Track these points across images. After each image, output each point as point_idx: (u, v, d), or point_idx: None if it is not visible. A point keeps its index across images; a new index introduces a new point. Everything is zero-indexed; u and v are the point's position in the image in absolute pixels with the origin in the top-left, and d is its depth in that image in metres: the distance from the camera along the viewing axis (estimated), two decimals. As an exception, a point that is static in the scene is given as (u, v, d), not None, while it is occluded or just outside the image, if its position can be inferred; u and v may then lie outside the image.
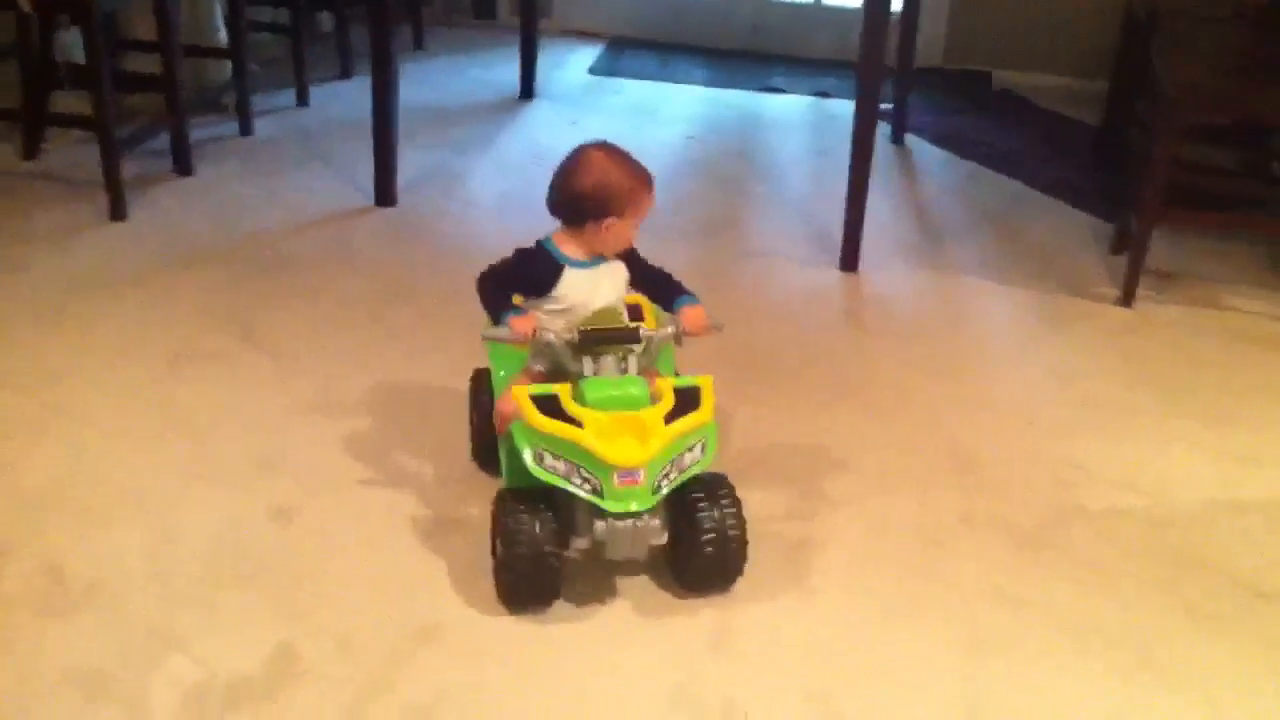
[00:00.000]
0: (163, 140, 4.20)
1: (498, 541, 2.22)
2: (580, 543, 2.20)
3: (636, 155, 2.36)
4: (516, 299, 2.35)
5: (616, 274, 2.38)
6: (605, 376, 2.22)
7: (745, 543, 2.24)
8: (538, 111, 5.12)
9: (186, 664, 2.09)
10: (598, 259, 2.35)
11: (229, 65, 4.64)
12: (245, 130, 4.64)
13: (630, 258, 2.41)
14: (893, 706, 2.09)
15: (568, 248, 2.34)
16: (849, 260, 3.72)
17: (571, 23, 6.37)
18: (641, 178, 2.32)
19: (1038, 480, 2.75)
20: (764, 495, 2.60)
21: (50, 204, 3.91)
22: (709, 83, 5.68)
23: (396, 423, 2.83)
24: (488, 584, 2.27)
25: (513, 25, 5.39)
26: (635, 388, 2.19)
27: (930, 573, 2.42)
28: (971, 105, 5.51)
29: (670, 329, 2.31)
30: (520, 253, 2.36)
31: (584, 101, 5.30)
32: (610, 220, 2.27)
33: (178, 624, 2.18)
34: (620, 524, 2.15)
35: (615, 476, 2.11)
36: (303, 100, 5.03)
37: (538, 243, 2.36)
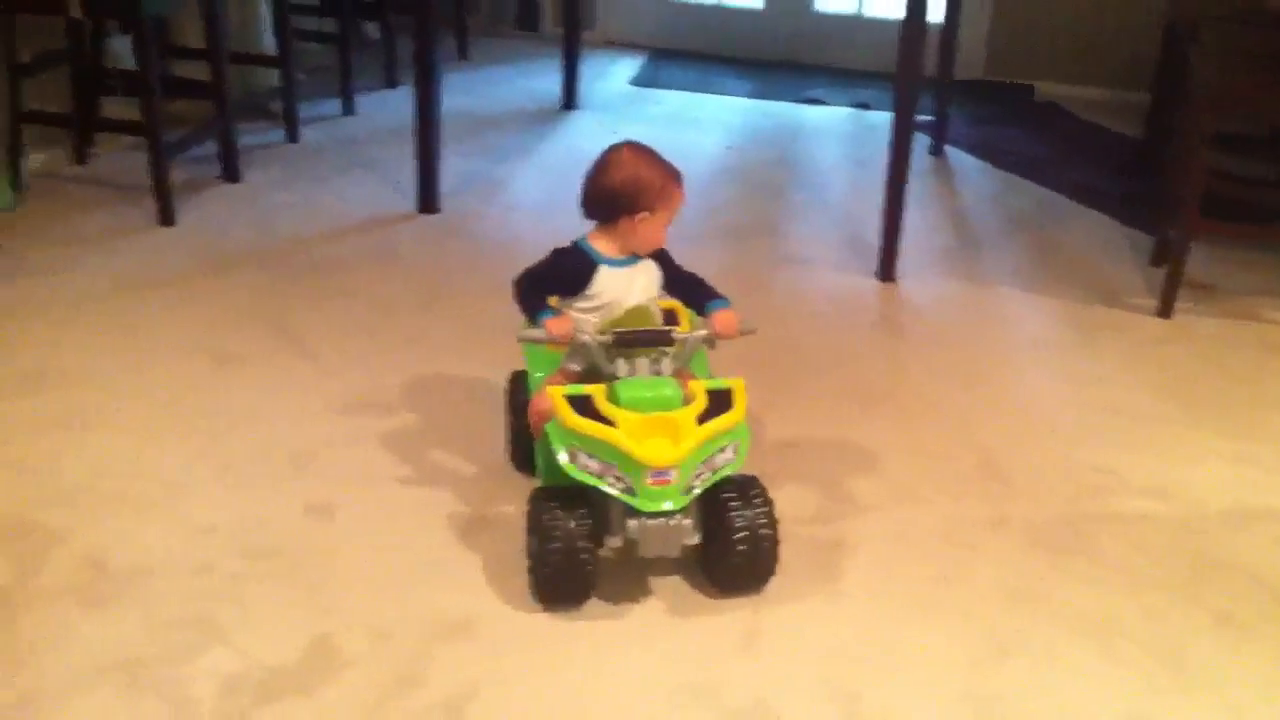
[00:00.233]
0: (210, 146, 4.27)
1: (533, 538, 2.25)
2: (614, 541, 2.23)
3: (676, 163, 2.41)
4: (552, 301, 2.39)
5: (650, 274, 2.42)
6: (639, 378, 2.26)
7: (777, 543, 2.27)
8: (579, 121, 5.17)
9: (225, 655, 2.13)
10: (632, 258, 2.39)
11: (276, 73, 4.72)
12: (292, 137, 4.72)
13: (663, 261, 2.45)
14: (919, 707, 2.10)
15: (602, 246, 2.38)
16: (885, 268, 3.75)
17: (614, 34, 6.42)
18: (671, 173, 2.37)
19: (1065, 486, 2.76)
20: (794, 497, 2.62)
21: (99, 208, 3.99)
22: (750, 94, 5.72)
23: (433, 422, 2.87)
24: (521, 580, 2.31)
25: (556, 36, 5.46)
26: (668, 389, 2.22)
27: (957, 576, 2.44)
28: (1012, 117, 5.51)
29: (703, 332, 2.34)
30: (556, 252, 2.41)
31: (625, 111, 5.34)
32: (642, 215, 2.32)
33: (217, 616, 2.22)
34: (653, 523, 2.18)
35: (648, 476, 2.13)
36: (349, 108, 5.11)
37: (573, 243, 2.41)
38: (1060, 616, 2.33)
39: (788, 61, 6.20)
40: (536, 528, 2.22)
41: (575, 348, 2.33)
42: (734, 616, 2.28)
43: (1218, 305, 3.68)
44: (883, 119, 3.72)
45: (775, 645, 2.22)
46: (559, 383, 2.32)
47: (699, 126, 5.21)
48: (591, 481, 2.17)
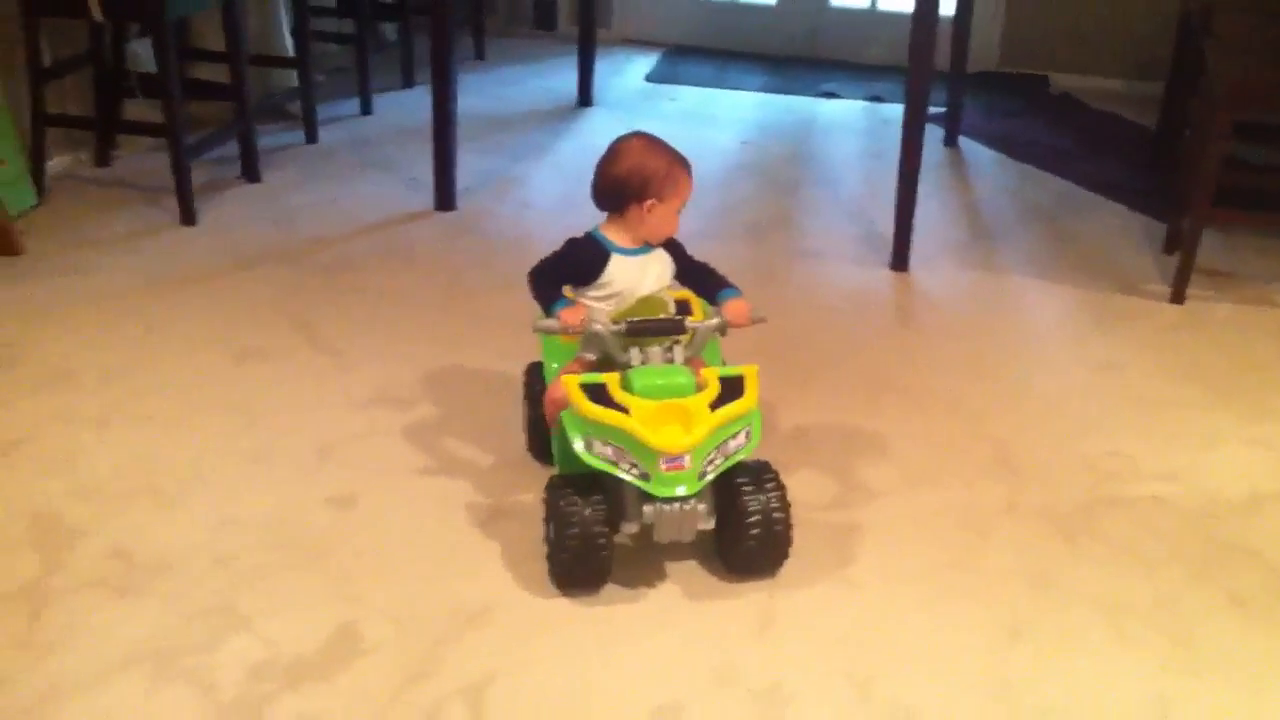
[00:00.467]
0: (231, 147, 4.32)
1: (550, 525, 2.29)
2: (629, 527, 2.27)
3: (692, 158, 2.44)
4: (567, 291, 2.43)
5: (663, 263, 2.46)
6: (652, 366, 2.29)
7: (790, 527, 2.30)
8: (595, 118, 5.20)
9: (250, 643, 2.17)
10: (644, 248, 2.43)
11: (295, 74, 4.76)
12: (311, 138, 4.76)
13: (675, 251, 2.48)
14: (933, 689, 2.13)
15: (615, 236, 2.42)
16: (899, 259, 3.77)
17: (629, 32, 6.45)
18: (678, 161, 2.40)
19: (1080, 471, 2.78)
20: (809, 483, 2.65)
21: (121, 209, 4.04)
22: (764, 89, 5.74)
23: (452, 414, 2.91)
24: (539, 567, 2.34)
25: (572, 35, 5.49)
26: (681, 376, 2.26)
27: (971, 560, 2.46)
28: (1027, 108, 5.53)
29: (715, 320, 2.38)
30: (570, 242, 2.45)
31: (641, 108, 5.37)
32: (650, 202, 2.36)
33: (241, 605, 2.26)
34: (667, 508, 2.21)
35: (661, 462, 2.17)
36: (366, 109, 5.15)
37: (587, 233, 2.45)
38: (1074, 600, 2.35)
39: (802, 56, 6.23)
40: (553, 514, 2.26)
41: (589, 337, 2.36)
42: (750, 600, 2.31)
43: (1232, 292, 3.69)
44: (897, 112, 3.74)
45: (791, 629, 2.25)
46: (574, 372, 2.35)
47: (714, 122, 5.23)
48: (606, 468, 2.20)
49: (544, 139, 4.91)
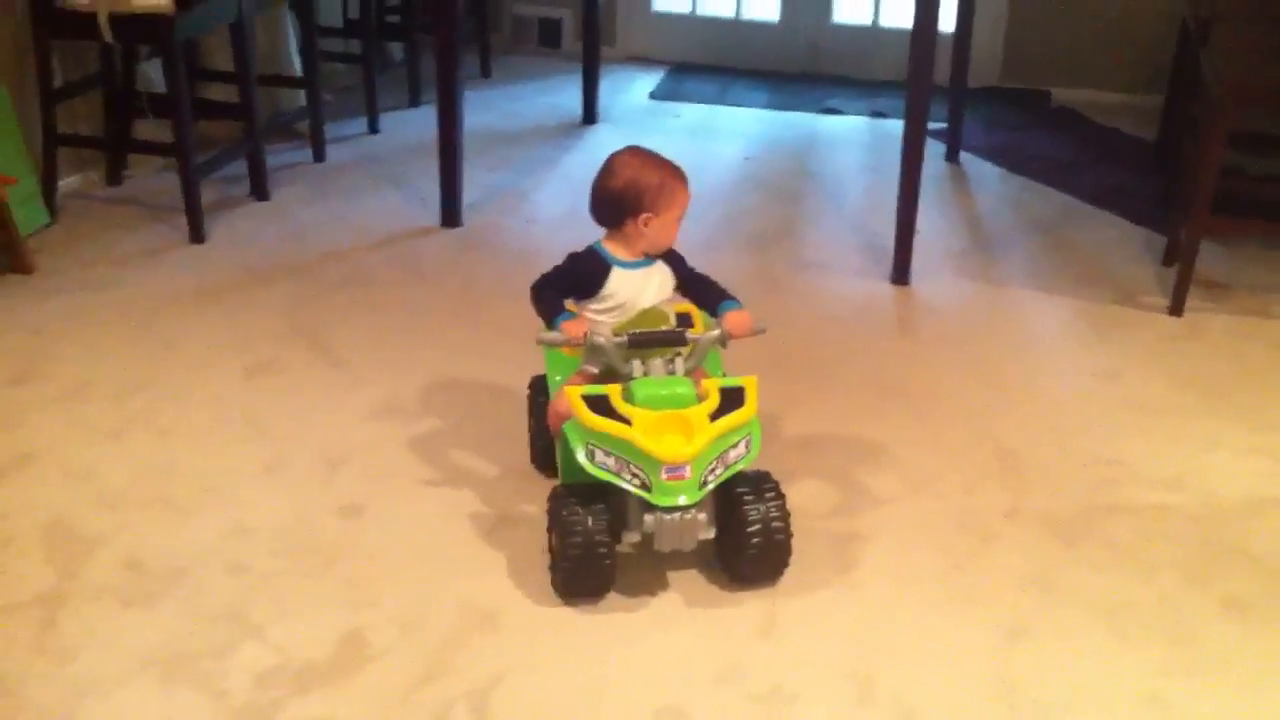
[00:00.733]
0: (240, 166, 4.37)
1: (554, 535, 2.32)
2: (631, 536, 2.31)
3: (695, 174, 2.48)
4: (569, 305, 2.46)
5: (664, 275, 2.49)
6: (653, 377, 2.32)
7: (790, 536, 2.33)
8: (600, 134, 5.24)
9: (260, 649, 2.21)
10: (645, 261, 2.47)
11: (303, 94, 4.82)
12: (318, 156, 4.81)
13: (676, 264, 2.51)
14: (933, 688, 2.16)
15: (616, 250, 2.46)
16: (899, 271, 3.81)
17: (634, 50, 6.50)
18: (672, 173, 2.43)
19: (1080, 478, 2.81)
20: (811, 491, 2.69)
21: (133, 227, 4.09)
22: (768, 105, 5.78)
23: (459, 426, 2.95)
24: (543, 575, 2.38)
25: (577, 53, 5.53)
26: (682, 387, 2.28)
27: (971, 564, 2.50)
28: (1029, 122, 5.56)
29: (716, 332, 2.40)
30: (572, 256, 2.49)
31: (645, 124, 5.42)
32: (646, 215, 2.39)
33: (253, 612, 2.30)
34: (668, 517, 2.24)
35: (663, 471, 2.20)
36: (374, 127, 5.20)
37: (589, 247, 2.49)
38: (1074, 602, 2.39)
39: (805, 73, 6.27)
40: (557, 524, 2.29)
41: (591, 349, 2.38)
42: (752, 605, 2.35)
43: (1231, 302, 3.73)
44: (898, 127, 3.78)
45: (793, 632, 2.29)
46: (577, 384, 2.38)
47: (718, 138, 5.28)
48: (609, 478, 2.23)
49: (549, 155, 4.96)
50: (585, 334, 2.35)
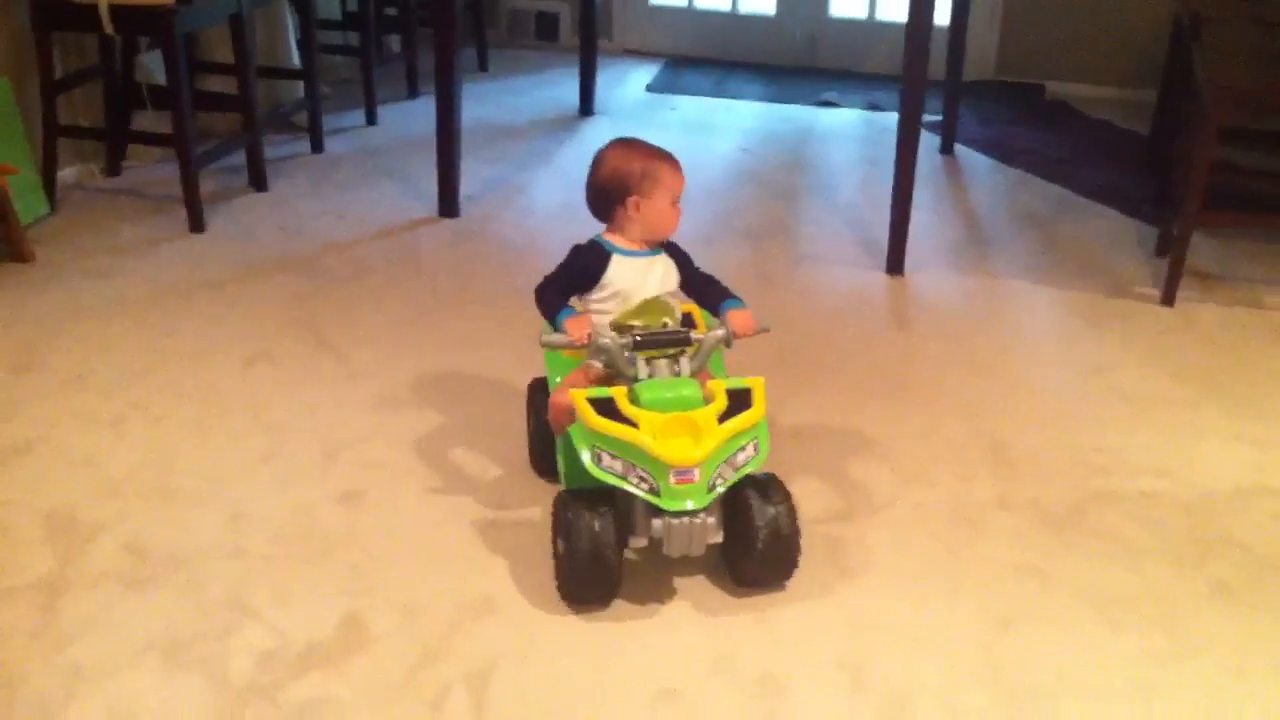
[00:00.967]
0: (238, 157, 4.40)
1: (560, 540, 2.29)
2: (638, 541, 2.28)
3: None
4: (574, 303, 2.44)
5: (666, 269, 2.48)
6: (659, 379, 2.29)
7: (798, 539, 2.31)
8: (597, 127, 5.27)
9: (260, 633, 2.24)
10: (647, 251, 2.47)
11: (301, 86, 4.84)
12: (317, 148, 4.84)
13: (682, 260, 2.51)
14: (923, 674, 2.19)
15: (616, 239, 2.46)
16: (894, 264, 3.84)
17: (631, 43, 6.53)
18: (655, 155, 2.45)
19: (1072, 467, 2.84)
20: (806, 482, 2.71)
21: (132, 218, 4.12)
22: (764, 98, 5.81)
23: (457, 417, 2.97)
24: (541, 560, 2.41)
25: (573, 46, 5.56)
26: (688, 389, 2.25)
27: (964, 552, 2.52)
28: (1023, 116, 5.59)
29: (720, 331, 2.37)
30: (574, 248, 2.49)
31: (642, 117, 5.44)
32: (634, 199, 2.41)
33: (252, 597, 2.33)
34: (677, 522, 2.21)
35: (671, 475, 2.17)
36: (371, 119, 5.23)
37: (591, 239, 2.50)
38: (1064, 589, 2.42)
39: (801, 66, 6.30)
40: (563, 530, 2.26)
41: (595, 349, 2.34)
42: (746, 593, 2.37)
43: (1221, 294, 3.76)
44: (894, 120, 3.80)
45: (786, 618, 2.31)
46: (580, 383, 2.36)
47: (715, 131, 5.31)
48: (616, 482, 2.20)
49: (547, 147, 4.99)
50: (590, 335, 2.32)
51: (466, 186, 4.27)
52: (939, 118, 4.96)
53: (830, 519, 2.61)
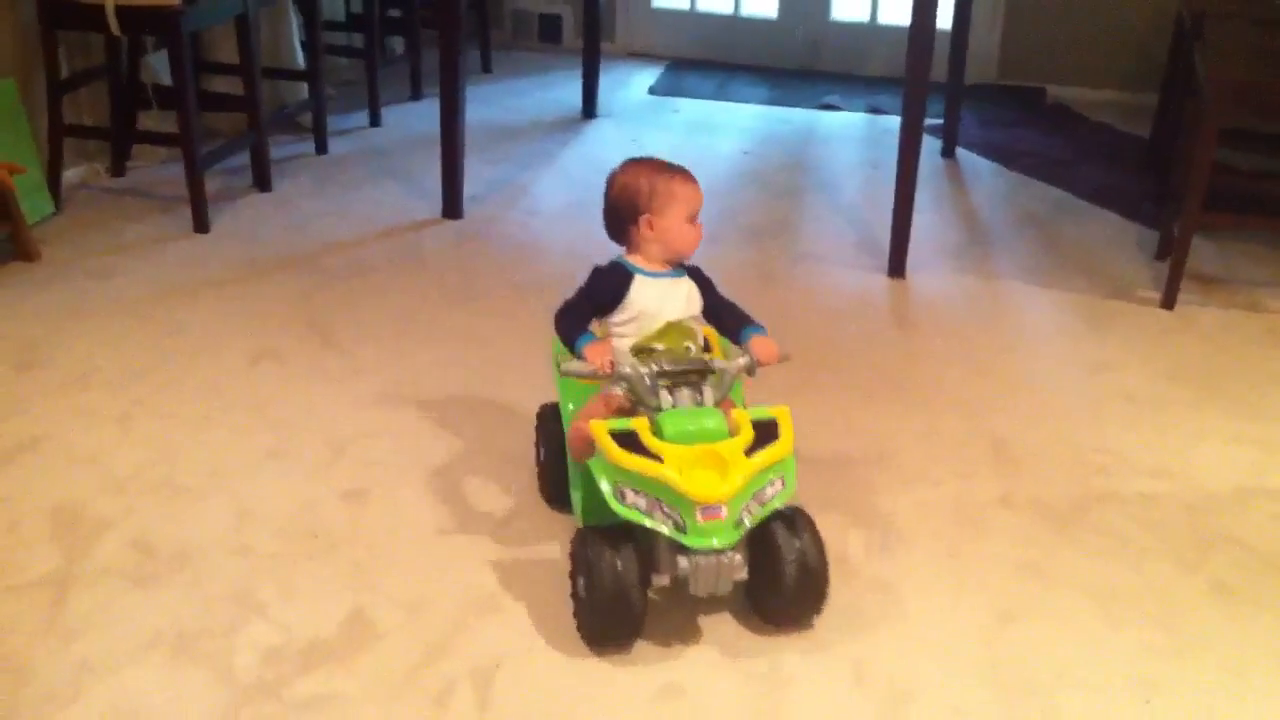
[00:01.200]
0: (242, 157, 4.42)
1: (580, 580, 2.19)
2: (661, 580, 2.18)
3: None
4: (594, 327, 2.36)
5: (690, 292, 2.39)
6: (682, 409, 2.20)
7: (827, 571, 2.24)
8: (600, 129, 5.29)
9: (266, 628, 2.25)
10: (670, 272, 2.38)
11: (305, 87, 4.86)
12: (321, 149, 4.85)
13: (705, 285, 2.42)
14: (923, 670, 2.20)
15: (637, 260, 2.38)
16: (896, 265, 3.85)
17: (634, 46, 6.55)
18: (665, 170, 2.38)
19: (1073, 467, 2.86)
20: (807, 479, 2.71)
21: (137, 217, 4.14)
22: (766, 101, 5.83)
23: (462, 413, 2.99)
24: (545, 557, 2.43)
25: (577, 48, 5.58)
26: (712, 420, 2.16)
27: (965, 550, 2.54)
28: (1024, 119, 5.61)
29: (743, 360, 2.29)
30: (595, 270, 2.38)
31: (645, 119, 5.46)
32: (646, 217, 2.34)
33: (258, 592, 2.34)
34: (704, 560, 2.12)
35: (698, 512, 2.08)
36: (375, 120, 5.25)
37: (612, 260, 2.40)
38: (1064, 587, 2.43)
39: (803, 69, 6.32)
40: (584, 568, 2.17)
41: (617, 379, 2.25)
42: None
43: (1223, 296, 3.77)
44: (895, 123, 3.82)
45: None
46: (599, 411, 2.30)
47: (717, 133, 5.33)
48: (640, 519, 2.11)
49: (550, 149, 5.00)
50: (610, 362, 2.22)
51: (470, 187, 4.29)
52: (940, 121, 4.98)
53: (832, 515, 2.61)
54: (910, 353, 3.40)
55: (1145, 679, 2.19)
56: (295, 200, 4.36)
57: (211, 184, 4.19)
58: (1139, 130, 5.27)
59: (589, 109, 5.46)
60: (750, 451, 2.14)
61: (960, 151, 5.06)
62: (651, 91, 5.94)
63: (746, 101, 5.82)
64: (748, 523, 2.13)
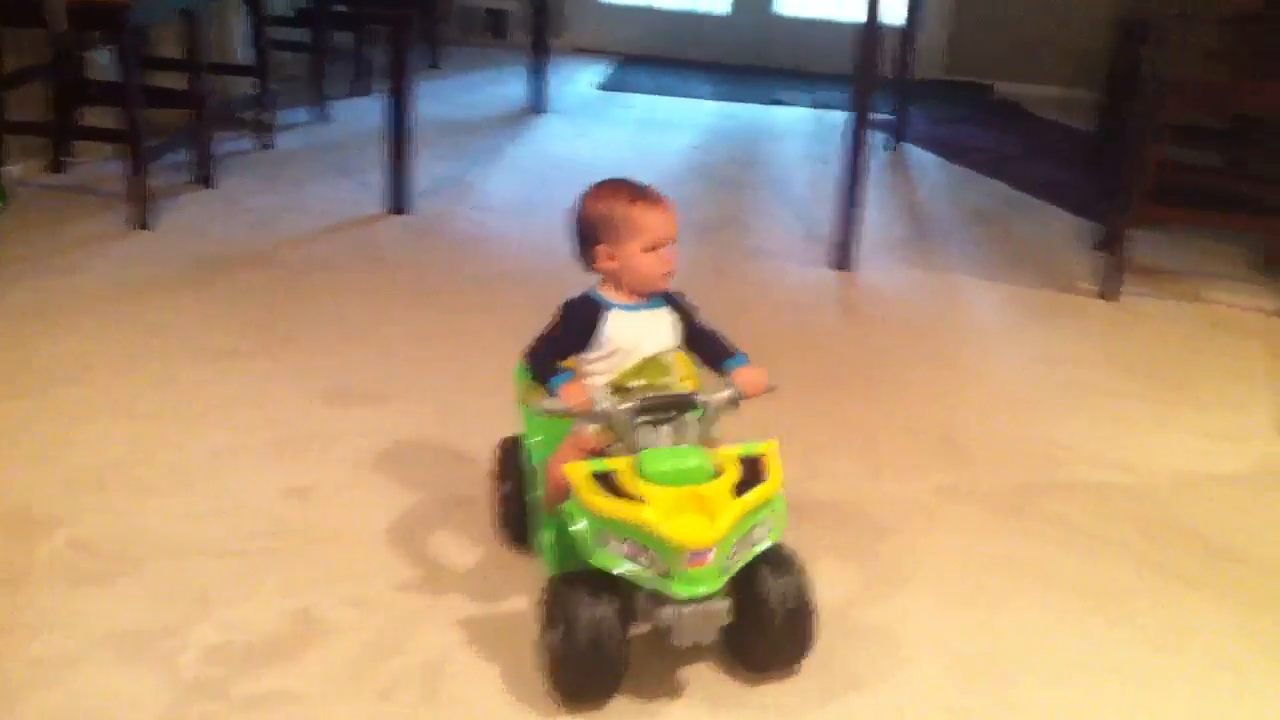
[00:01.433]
0: (183, 153, 4.36)
1: (554, 633, 2.00)
2: (639, 629, 2.02)
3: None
4: (568, 363, 2.18)
5: (669, 323, 2.21)
6: (663, 448, 2.03)
7: (815, 614, 2.08)
8: (548, 124, 5.28)
9: (213, 627, 2.22)
10: (646, 304, 2.19)
11: (250, 82, 4.81)
12: (267, 144, 4.81)
13: (686, 315, 2.25)
14: (883, 662, 2.20)
15: (609, 292, 2.18)
16: (842, 259, 3.87)
17: (582, 42, 6.54)
18: (625, 197, 2.16)
19: (1023, 457, 2.88)
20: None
21: (78, 215, 4.08)
22: (716, 97, 5.85)
23: (416, 409, 2.97)
24: (492, 551, 2.41)
25: (524, 45, 5.57)
26: (696, 458, 2.00)
27: (920, 540, 2.55)
28: (971, 115, 5.66)
29: (727, 393, 2.13)
30: (566, 304, 2.20)
31: (594, 115, 5.46)
32: (604, 248, 2.14)
33: (206, 591, 2.31)
34: (689, 609, 1.95)
35: (685, 558, 1.91)
36: (322, 116, 5.21)
37: (583, 293, 2.21)
38: (1019, 577, 2.44)
39: (753, 65, 6.33)
40: (560, 621, 1.98)
41: (595, 416, 2.09)
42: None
43: (1163, 287, 3.83)
44: (843, 118, 3.84)
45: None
46: (571, 455, 2.13)
47: (666, 128, 5.33)
48: (623, 568, 1.95)
49: (498, 144, 4.99)
50: (587, 401, 2.06)
51: (419, 182, 4.27)
52: (889, 116, 5.00)
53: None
54: (859, 345, 3.42)
55: (1103, 668, 2.20)
56: (239, 196, 4.32)
57: (153, 180, 4.12)
58: (1084, 125, 5.32)
59: (537, 105, 5.45)
60: (738, 490, 1.99)
61: (908, 146, 5.09)
62: (601, 87, 5.94)
63: (697, 97, 5.83)
64: (734, 568, 1.98)
